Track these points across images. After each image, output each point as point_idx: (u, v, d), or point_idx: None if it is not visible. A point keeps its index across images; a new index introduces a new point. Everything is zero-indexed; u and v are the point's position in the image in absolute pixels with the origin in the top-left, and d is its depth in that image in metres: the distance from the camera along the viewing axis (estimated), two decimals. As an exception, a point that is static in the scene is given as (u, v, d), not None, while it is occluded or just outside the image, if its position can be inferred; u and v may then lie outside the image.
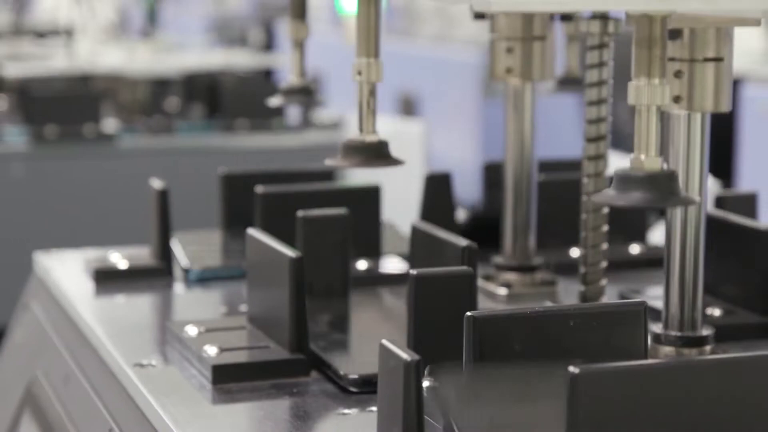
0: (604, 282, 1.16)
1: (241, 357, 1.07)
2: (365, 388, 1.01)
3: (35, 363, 1.36)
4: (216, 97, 3.54)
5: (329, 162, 1.11)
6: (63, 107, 3.32)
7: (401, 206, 1.57)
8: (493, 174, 1.47)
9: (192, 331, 1.13)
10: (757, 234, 1.16)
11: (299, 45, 1.38)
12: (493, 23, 1.25)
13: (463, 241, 1.09)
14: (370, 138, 1.10)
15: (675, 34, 0.91)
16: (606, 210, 1.15)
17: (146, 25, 4.63)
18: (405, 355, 0.81)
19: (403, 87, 5.02)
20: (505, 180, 1.31)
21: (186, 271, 1.38)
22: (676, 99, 0.91)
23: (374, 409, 0.90)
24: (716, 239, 1.12)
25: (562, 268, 1.33)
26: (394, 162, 1.10)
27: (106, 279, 1.38)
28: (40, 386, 1.30)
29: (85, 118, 3.33)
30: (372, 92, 1.10)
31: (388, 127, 1.29)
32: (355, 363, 1.06)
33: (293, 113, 3.56)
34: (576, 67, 1.42)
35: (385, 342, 0.84)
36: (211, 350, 1.07)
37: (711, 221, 1.07)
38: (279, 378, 1.05)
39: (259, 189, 1.35)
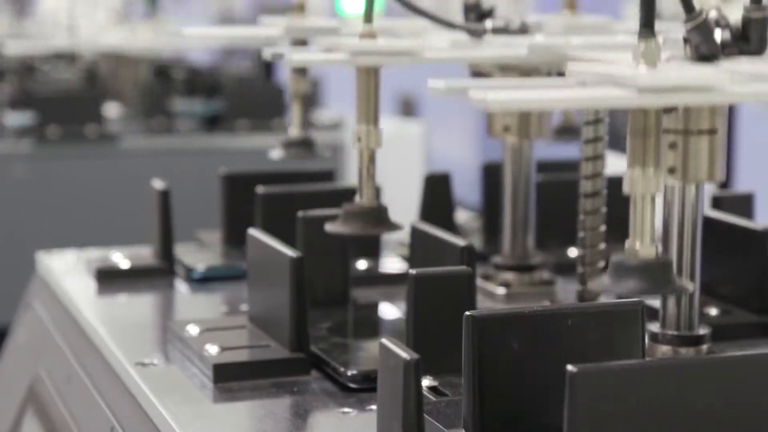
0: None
1: (241, 356, 1.07)
2: (365, 384, 1.01)
3: (38, 362, 1.36)
4: (218, 98, 3.54)
5: (329, 228, 1.12)
6: (65, 108, 3.32)
7: (401, 206, 1.57)
8: (491, 175, 1.47)
9: (193, 330, 1.13)
10: (754, 234, 1.16)
11: (299, 98, 1.39)
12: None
13: (461, 241, 1.09)
14: (369, 204, 1.11)
15: (669, 108, 0.92)
16: (604, 210, 1.15)
17: (148, 9, 4.61)
18: (404, 354, 0.81)
19: (403, 88, 5.03)
20: (503, 180, 1.31)
21: (189, 270, 1.38)
22: (671, 170, 0.93)
23: (374, 407, 0.90)
24: (713, 239, 1.12)
25: (561, 268, 1.33)
26: (393, 227, 1.11)
27: (108, 279, 1.38)
28: (42, 385, 1.30)
29: (87, 119, 3.33)
30: (371, 159, 1.12)
31: (388, 127, 1.29)
32: (354, 360, 1.06)
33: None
34: (573, 116, 1.43)
35: (384, 341, 0.84)
36: (212, 349, 1.07)
37: (708, 221, 1.07)
38: (279, 377, 1.05)
39: (260, 189, 1.36)
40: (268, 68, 3.93)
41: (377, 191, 1.15)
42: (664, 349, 1.02)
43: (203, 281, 1.37)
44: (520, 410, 0.86)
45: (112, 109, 3.43)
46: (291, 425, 0.96)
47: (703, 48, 0.91)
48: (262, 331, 1.12)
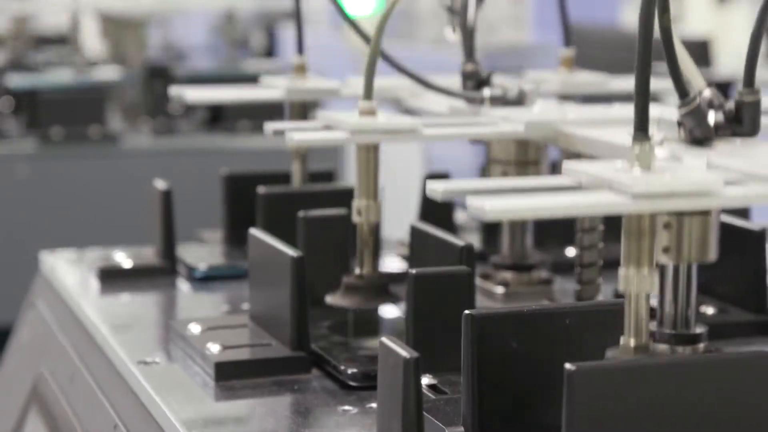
0: (599, 281, 1.16)
1: (243, 354, 1.07)
2: (365, 382, 1.01)
3: (41, 361, 1.36)
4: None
5: (329, 300, 1.13)
6: (68, 109, 3.32)
7: (401, 206, 1.57)
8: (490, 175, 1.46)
9: (195, 329, 1.13)
10: (750, 235, 1.17)
11: (300, 157, 1.40)
12: (489, 148, 1.26)
13: (461, 241, 1.09)
14: (369, 276, 1.12)
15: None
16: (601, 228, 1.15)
17: None
18: (404, 353, 0.82)
19: (402, 89, 5.02)
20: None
21: (191, 270, 1.38)
22: (665, 249, 0.94)
23: (374, 405, 0.90)
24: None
25: (559, 268, 1.33)
26: (393, 299, 1.12)
27: (111, 278, 1.38)
28: (46, 384, 1.30)
29: (89, 120, 3.33)
30: (371, 232, 1.13)
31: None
32: (354, 359, 1.06)
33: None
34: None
35: (384, 339, 0.85)
36: (213, 348, 1.07)
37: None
38: (280, 375, 1.05)
39: (261, 189, 1.36)
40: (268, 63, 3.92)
41: (378, 262, 1.16)
42: (661, 348, 1.02)
43: (205, 280, 1.37)
44: (519, 408, 0.86)
45: (115, 124, 3.42)
46: (292, 423, 0.96)
47: (697, 132, 0.94)
48: (264, 330, 1.12)
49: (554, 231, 1.39)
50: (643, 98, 0.80)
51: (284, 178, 1.44)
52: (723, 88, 3.45)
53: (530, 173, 1.24)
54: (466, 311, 0.86)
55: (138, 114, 3.56)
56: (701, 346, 1.02)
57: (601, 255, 1.16)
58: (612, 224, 1.16)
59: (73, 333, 1.30)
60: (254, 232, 1.15)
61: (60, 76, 3.40)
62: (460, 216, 1.55)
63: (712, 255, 0.93)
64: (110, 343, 1.17)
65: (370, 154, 1.12)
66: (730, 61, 4.83)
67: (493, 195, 0.79)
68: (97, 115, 3.34)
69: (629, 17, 5.22)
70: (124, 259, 1.41)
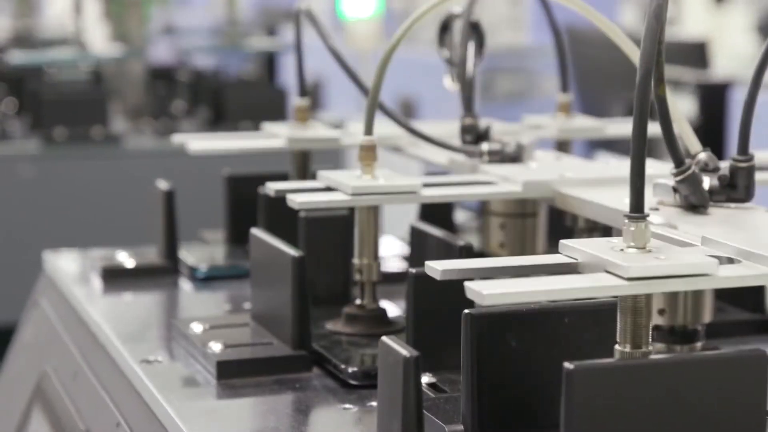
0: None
1: (244, 353, 1.07)
2: (365, 381, 1.01)
3: (45, 359, 1.36)
4: (221, 101, 3.54)
5: (330, 327, 1.13)
6: (71, 110, 3.32)
7: (401, 207, 1.57)
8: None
9: (197, 328, 1.13)
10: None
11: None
12: (487, 201, 1.26)
13: (460, 241, 1.09)
14: (370, 307, 1.14)
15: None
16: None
17: None
18: (404, 351, 0.81)
19: (402, 90, 5.02)
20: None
21: (193, 270, 1.38)
22: (661, 311, 0.95)
23: (374, 404, 0.90)
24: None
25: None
26: (393, 329, 1.12)
27: (114, 277, 1.38)
28: (49, 382, 1.30)
29: (93, 121, 3.33)
30: (372, 286, 1.14)
31: (388, 129, 1.29)
32: (355, 357, 1.06)
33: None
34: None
35: (384, 338, 0.84)
36: (215, 347, 1.07)
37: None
38: (282, 374, 1.05)
39: (263, 190, 1.35)
40: (270, 71, 3.93)
41: (377, 295, 1.16)
42: (659, 346, 1.02)
43: (206, 281, 1.37)
44: (518, 406, 0.86)
45: (118, 124, 3.42)
46: (293, 421, 0.96)
47: (692, 198, 0.96)
48: (265, 329, 1.12)
49: (552, 231, 1.39)
50: (638, 179, 0.80)
51: (285, 179, 1.44)
52: (720, 89, 3.46)
53: (528, 225, 1.26)
54: (466, 310, 0.86)
55: (141, 115, 3.56)
56: (699, 344, 1.02)
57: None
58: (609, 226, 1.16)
59: (77, 332, 1.30)
60: (256, 232, 1.15)
61: (62, 53, 3.39)
62: (459, 216, 1.55)
63: (707, 317, 0.94)
64: (113, 342, 1.17)
65: (370, 215, 1.13)
66: (727, 62, 4.83)
67: (491, 277, 0.80)
68: (100, 116, 3.34)
69: (627, 17, 5.22)
70: (126, 259, 1.41)
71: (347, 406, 0.98)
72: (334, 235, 1.23)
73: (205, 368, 1.06)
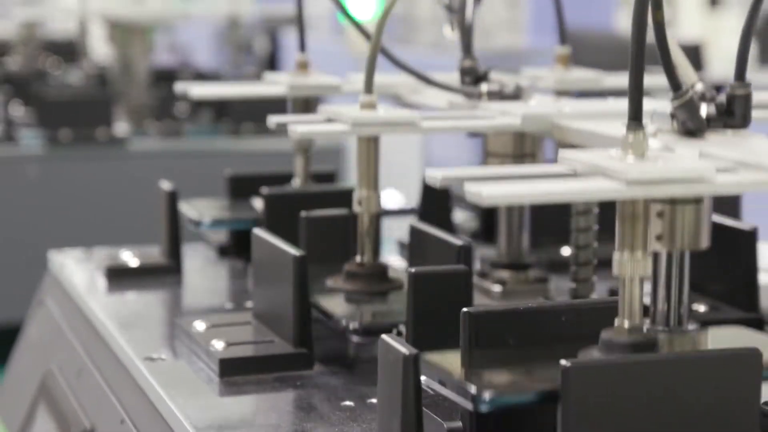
0: (594, 279, 1.16)
1: (247, 351, 1.07)
2: (365, 336, 1.01)
3: (50, 357, 1.36)
4: (223, 102, 3.54)
5: (330, 283, 1.13)
6: (76, 112, 3.32)
7: (401, 207, 1.57)
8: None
9: (200, 326, 1.13)
10: (741, 234, 1.17)
11: (304, 152, 1.40)
12: (486, 142, 1.26)
13: (459, 241, 1.09)
14: (370, 264, 1.12)
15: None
16: (596, 211, 1.15)
17: None
18: (404, 349, 0.81)
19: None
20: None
21: (197, 224, 1.37)
22: (658, 237, 0.94)
23: (375, 401, 0.90)
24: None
25: (554, 266, 1.33)
26: (393, 286, 1.11)
27: (118, 276, 1.38)
28: (54, 379, 1.30)
29: (97, 122, 3.33)
30: (372, 222, 1.13)
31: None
32: (355, 313, 1.06)
33: (296, 117, 3.55)
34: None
35: (384, 337, 0.85)
36: (218, 345, 1.07)
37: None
38: (283, 371, 1.05)
39: (264, 190, 1.36)
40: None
41: (378, 251, 1.16)
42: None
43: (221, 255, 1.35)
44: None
45: (122, 128, 3.43)
46: (294, 418, 0.96)
47: (690, 124, 0.94)
48: (267, 327, 1.12)
49: (550, 231, 1.39)
50: (637, 88, 0.80)
51: (287, 179, 1.44)
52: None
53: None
54: (464, 309, 0.86)
55: (144, 116, 3.56)
56: (693, 343, 1.02)
57: (596, 254, 1.16)
58: (607, 225, 1.16)
59: (81, 330, 1.30)
60: (257, 231, 1.15)
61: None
62: (458, 216, 1.55)
63: (705, 242, 0.93)
64: (117, 340, 1.17)
65: (370, 146, 1.12)
66: (722, 65, 4.82)
67: (490, 181, 0.79)
68: (104, 118, 3.34)
69: (623, 22, 5.22)
70: (130, 258, 1.41)
71: (348, 403, 0.98)
72: (335, 235, 1.23)
73: (208, 366, 1.06)
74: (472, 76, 1.24)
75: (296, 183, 1.41)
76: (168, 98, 3.52)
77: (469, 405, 0.79)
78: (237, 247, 1.45)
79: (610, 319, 0.87)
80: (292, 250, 1.07)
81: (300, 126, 1.08)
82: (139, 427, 1.04)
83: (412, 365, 0.81)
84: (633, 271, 0.84)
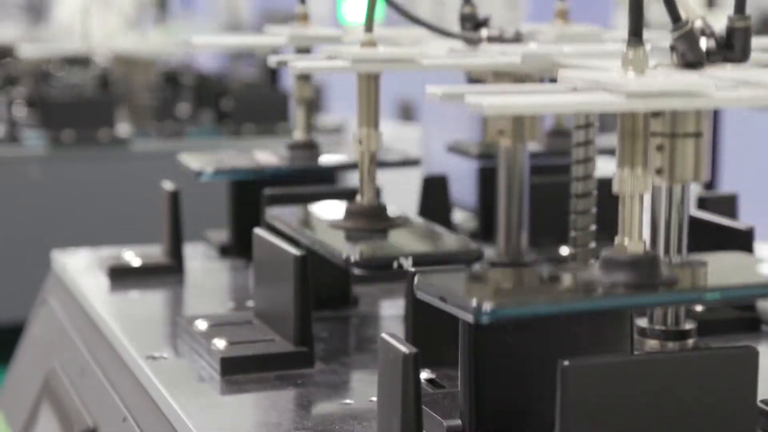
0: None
1: (248, 350, 1.07)
2: (367, 269, 1.00)
3: (53, 355, 1.36)
4: (225, 104, 3.54)
5: (332, 225, 1.13)
6: (79, 113, 3.32)
7: (400, 207, 1.57)
8: (487, 178, 1.46)
9: (201, 325, 1.13)
10: (737, 233, 1.17)
11: (304, 102, 1.39)
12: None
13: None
14: (370, 202, 1.11)
15: (657, 111, 0.92)
16: (594, 211, 1.15)
17: (158, 14, 4.61)
18: (404, 348, 0.81)
19: (402, 93, 5.02)
20: (498, 182, 1.31)
21: (198, 174, 1.37)
22: (658, 171, 0.93)
23: (374, 399, 0.90)
24: (698, 238, 1.12)
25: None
26: (393, 223, 1.11)
27: (121, 276, 1.38)
28: (57, 378, 1.30)
29: (100, 123, 3.33)
30: (372, 160, 1.12)
31: (388, 131, 1.29)
32: (356, 247, 1.06)
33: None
34: (564, 121, 1.43)
35: (384, 335, 0.84)
36: (219, 343, 1.07)
37: (693, 221, 1.07)
38: (284, 370, 1.05)
39: (266, 190, 1.36)
40: (273, 75, 3.93)
41: (377, 191, 1.16)
42: (652, 344, 1.02)
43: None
44: (514, 402, 0.86)
45: (123, 129, 3.43)
46: (295, 415, 0.96)
47: (689, 56, 0.92)
48: (268, 326, 1.12)
49: (549, 230, 1.39)
50: (637, 4, 0.79)
51: (288, 179, 1.44)
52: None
53: None
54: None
55: (146, 118, 3.56)
56: (690, 342, 1.02)
57: (593, 254, 1.16)
58: (603, 224, 1.16)
59: (84, 329, 1.30)
60: (259, 231, 1.15)
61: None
62: (457, 216, 1.55)
63: (704, 176, 0.92)
64: (119, 339, 1.17)
65: (371, 84, 1.11)
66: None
67: (492, 94, 0.78)
68: (107, 119, 3.34)
69: (621, 22, 5.20)
70: (133, 258, 1.41)
71: (348, 401, 0.98)
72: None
73: (210, 364, 1.06)
74: (472, 22, 1.23)
75: (297, 135, 1.41)
76: (170, 99, 3.52)
77: (470, 317, 0.78)
78: (238, 246, 1.45)
79: (608, 318, 0.87)
80: (293, 250, 1.07)
81: (301, 62, 1.08)
82: (141, 425, 1.04)
83: (412, 364, 0.81)
84: (633, 188, 0.83)
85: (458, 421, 0.86)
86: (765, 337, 1.14)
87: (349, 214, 1.12)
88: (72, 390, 1.24)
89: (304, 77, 1.39)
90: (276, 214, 1.21)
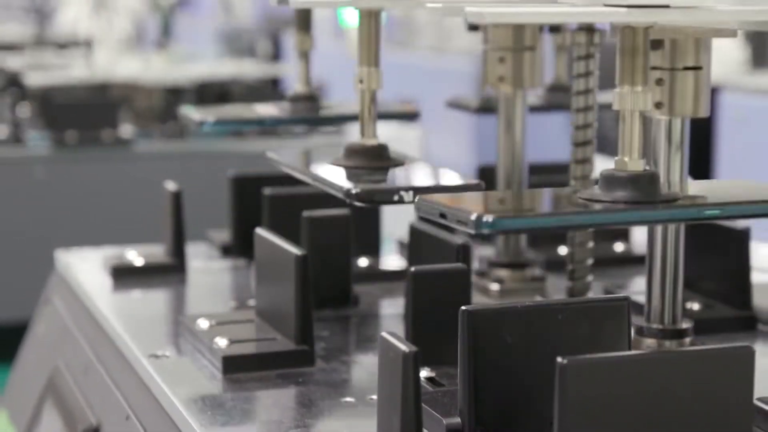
0: (590, 278, 1.16)
1: (249, 348, 1.07)
2: (367, 202, 1.00)
3: (57, 354, 1.36)
4: (226, 105, 3.54)
5: (333, 162, 1.11)
6: (82, 114, 3.33)
7: (400, 207, 1.57)
8: (486, 176, 1.46)
9: (203, 324, 1.13)
10: (734, 233, 1.17)
11: (305, 55, 1.38)
12: (486, 34, 1.25)
13: (458, 240, 1.09)
14: (370, 142, 1.11)
15: (657, 44, 0.91)
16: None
17: (160, 38, 4.63)
18: (404, 347, 0.81)
19: (402, 95, 5.03)
20: (498, 182, 1.31)
21: (200, 124, 1.36)
22: (658, 105, 0.92)
23: (374, 397, 0.90)
24: (695, 237, 1.12)
25: (551, 265, 1.33)
26: (393, 163, 1.10)
27: (123, 275, 1.38)
28: (61, 376, 1.30)
29: (103, 125, 3.33)
30: (373, 99, 1.11)
31: (387, 132, 1.29)
32: (357, 183, 1.05)
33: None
34: (564, 76, 1.42)
35: (384, 334, 0.84)
36: (221, 342, 1.07)
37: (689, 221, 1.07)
38: (285, 368, 1.05)
39: (267, 191, 1.36)
40: (274, 77, 3.94)
41: (376, 130, 1.14)
42: (649, 342, 1.02)
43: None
44: (513, 400, 0.86)
45: (126, 130, 3.43)
46: (296, 414, 0.96)
47: None
48: (269, 325, 1.12)
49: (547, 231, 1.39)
50: None
51: (289, 180, 1.44)
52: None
53: (526, 59, 1.23)
54: (463, 307, 0.86)
55: (149, 119, 3.57)
56: (687, 340, 1.02)
57: (592, 254, 1.16)
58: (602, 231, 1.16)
59: (87, 328, 1.30)
60: (260, 231, 1.15)
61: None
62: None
63: (703, 110, 0.92)
64: (122, 338, 1.17)
65: (371, 22, 1.10)
66: (715, 67, 4.83)
67: (492, 5, 0.78)
68: (110, 120, 3.34)
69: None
70: (135, 258, 1.41)
71: (348, 399, 0.98)
72: (336, 234, 1.23)
73: (211, 363, 1.06)
74: None
75: (297, 88, 1.40)
76: (172, 101, 3.52)
77: (471, 230, 0.77)
78: (240, 246, 1.45)
79: (606, 317, 0.87)
80: (295, 250, 1.07)
81: None
82: (144, 423, 1.04)
83: (412, 362, 0.81)
84: (633, 104, 0.83)
85: (458, 419, 0.86)
86: (762, 336, 1.14)
87: (350, 152, 1.11)
88: (76, 388, 1.23)
89: (305, 30, 1.38)
90: (276, 156, 1.20)
